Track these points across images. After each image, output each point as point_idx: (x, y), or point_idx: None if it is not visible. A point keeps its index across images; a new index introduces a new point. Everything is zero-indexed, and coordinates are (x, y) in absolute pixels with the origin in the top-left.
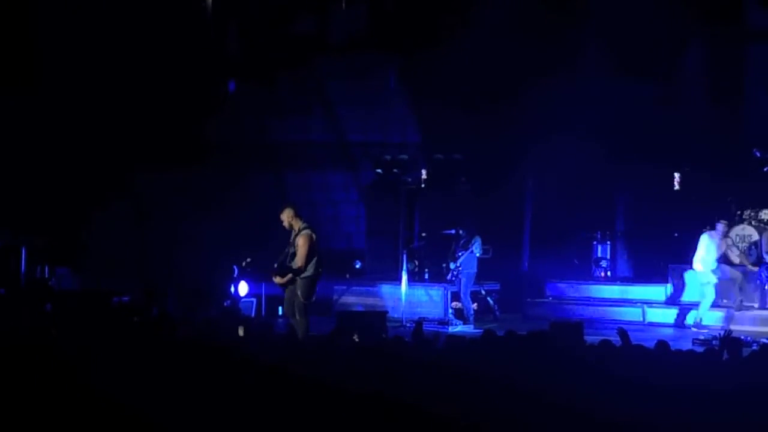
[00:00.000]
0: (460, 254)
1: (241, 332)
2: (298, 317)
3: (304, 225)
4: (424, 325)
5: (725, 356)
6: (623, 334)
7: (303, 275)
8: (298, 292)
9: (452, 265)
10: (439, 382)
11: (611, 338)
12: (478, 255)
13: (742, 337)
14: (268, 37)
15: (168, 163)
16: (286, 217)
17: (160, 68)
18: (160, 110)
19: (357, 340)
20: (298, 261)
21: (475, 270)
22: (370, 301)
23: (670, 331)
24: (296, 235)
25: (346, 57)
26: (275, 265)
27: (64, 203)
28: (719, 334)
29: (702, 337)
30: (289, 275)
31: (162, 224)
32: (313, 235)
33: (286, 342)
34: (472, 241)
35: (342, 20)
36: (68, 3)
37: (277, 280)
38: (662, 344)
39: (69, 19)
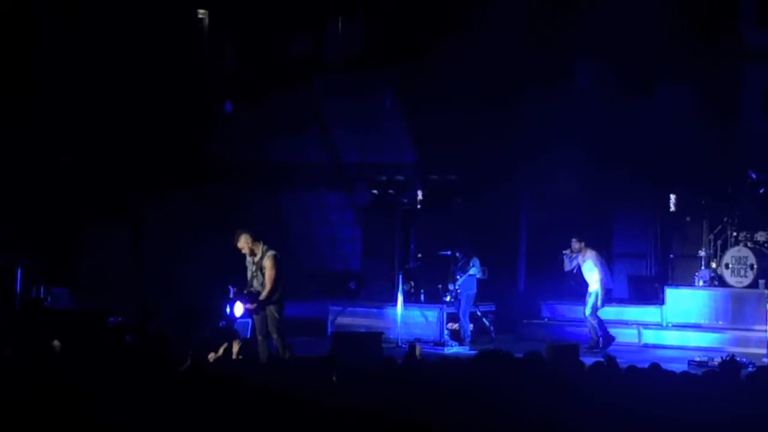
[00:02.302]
0: (459, 276)
1: (235, 348)
2: (276, 336)
3: (267, 247)
4: (419, 346)
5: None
6: (610, 360)
7: (275, 296)
8: (273, 311)
9: (451, 287)
10: (433, 404)
11: (605, 360)
12: (478, 276)
13: (739, 359)
14: (264, 57)
15: (164, 184)
16: (244, 243)
17: (156, 88)
18: (156, 131)
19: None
20: (268, 284)
21: (475, 291)
22: (365, 322)
23: (666, 352)
24: (261, 258)
25: (342, 77)
26: (245, 293)
27: (61, 223)
28: (722, 357)
29: (698, 359)
30: (261, 299)
31: (158, 244)
32: (278, 256)
33: (282, 363)
34: (471, 263)
35: (338, 40)
36: (65, 23)
37: (250, 307)
38: (655, 366)
39: (66, 39)
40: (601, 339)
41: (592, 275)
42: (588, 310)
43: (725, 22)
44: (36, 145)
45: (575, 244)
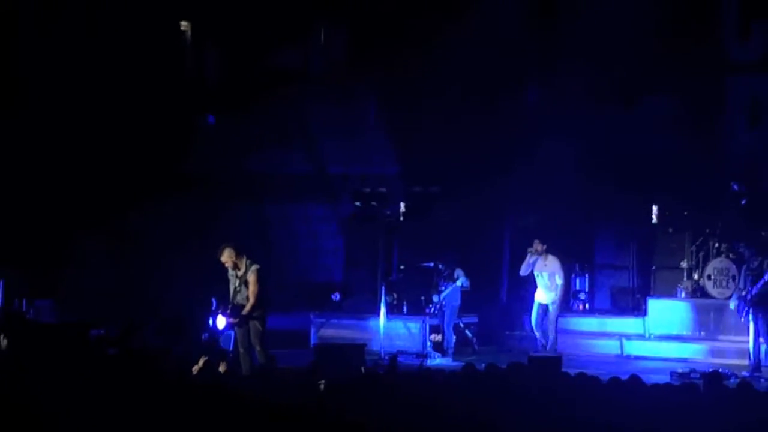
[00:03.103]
0: (443, 287)
1: (222, 369)
2: (258, 347)
3: (250, 261)
4: (401, 358)
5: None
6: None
7: (258, 311)
8: (257, 324)
9: (435, 298)
10: (417, 416)
11: (588, 371)
12: (464, 287)
13: (721, 370)
14: (248, 68)
15: (148, 196)
16: (228, 257)
17: (139, 101)
18: (140, 142)
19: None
20: (251, 297)
21: (459, 302)
22: (348, 334)
23: (649, 363)
24: (245, 272)
25: (325, 88)
26: (228, 308)
27: (44, 235)
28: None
29: (680, 371)
30: (244, 313)
31: (142, 256)
32: (261, 270)
33: (265, 375)
34: (455, 274)
35: (321, 51)
36: (47, 36)
37: (233, 320)
38: (635, 378)
39: (48, 52)
40: (548, 345)
41: (552, 283)
42: (553, 319)
43: (708, 33)
44: (18, 157)
45: (537, 246)
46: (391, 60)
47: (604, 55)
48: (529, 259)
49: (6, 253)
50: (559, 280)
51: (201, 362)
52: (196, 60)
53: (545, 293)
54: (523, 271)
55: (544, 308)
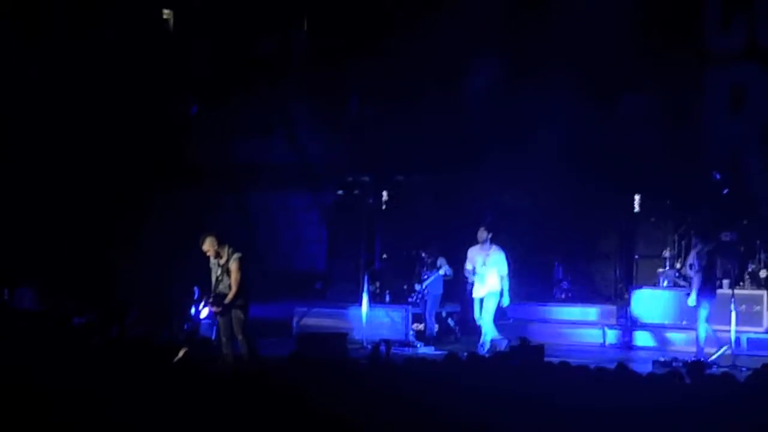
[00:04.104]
0: (426, 276)
1: (181, 354)
2: (241, 335)
3: (232, 250)
4: (382, 347)
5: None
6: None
7: (240, 299)
8: (239, 313)
9: (418, 287)
10: (401, 404)
11: (570, 360)
12: (447, 275)
13: (703, 359)
14: (231, 58)
15: (129, 186)
16: (210, 246)
17: (120, 92)
18: (121, 133)
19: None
20: (234, 286)
21: (441, 291)
22: (330, 322)
23: (631, 352)
24: (227, 261)
25: (307, 77)
26: (211, 296)
27: (27, 224)
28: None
29: (663, 359)
30: (227, 302)
31: (124, 245)
32: (243, 258)
33: (248, 363)
34: (438, 263)
35: (304, 41)
36: (26, 28)
37: (216, 309)
38: (621, 366)
39: (28, 44)
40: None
41: (494, 273)
42: (489, 315)
43: (688, 25)
44: (6, 149)
45: (483, 234)
46: (375, 49)
47: (585, 47)
48: (473, 249)
49: None
50: (503, 271)
51: (181, 353)
52: (180, 50)
53: (486, 285)
54: (471, 263)
55: (482, 302)
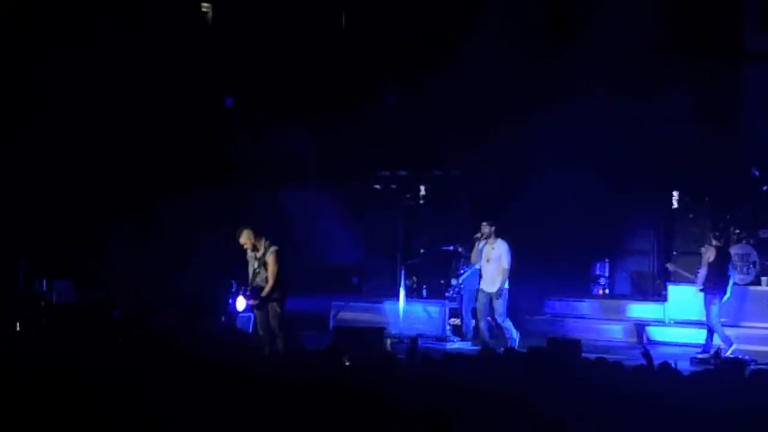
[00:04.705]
0: (462, 271)
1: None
2: (277, 328)
3: (269, 243)
4: (420, 342)
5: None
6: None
7: (277, 292)
8: (275, 306)
9: (454, 282)
10: (436, 399)
11: (606, 357)
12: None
13: (741, 356)
14: (268, 51)
15: (167, 180)
16: (246, 239)
17: (160, 85)
18: (160, 127)
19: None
20: (271, 279)
21: (478, 286)
22: (367, 317)
23: (668, 349)
24: (264, 254)
25: (345, 71)
26: (248, 289)
27: (67, 217)
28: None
29: (701, 356)
30: (264, 295)
31: (161, 239)
32: (280, 251)
33: (285, 356)
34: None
35: (342, 37)
36: (70, 22)
37: (252, 302)
38: (665, 365)
39: (72, 37)
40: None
41: (498, 267)
42: (500, 310)
43: (728, 22)
44: (44, 140)
45: (485, 228)
46: (412, 44)
47: (623, 42)
48: (479, 244)
49: (28, 234)
50: (504, 265)
51: None
52: (218, 43)
53: (492, 281)
54: (475, 258)
55: (490, 297)
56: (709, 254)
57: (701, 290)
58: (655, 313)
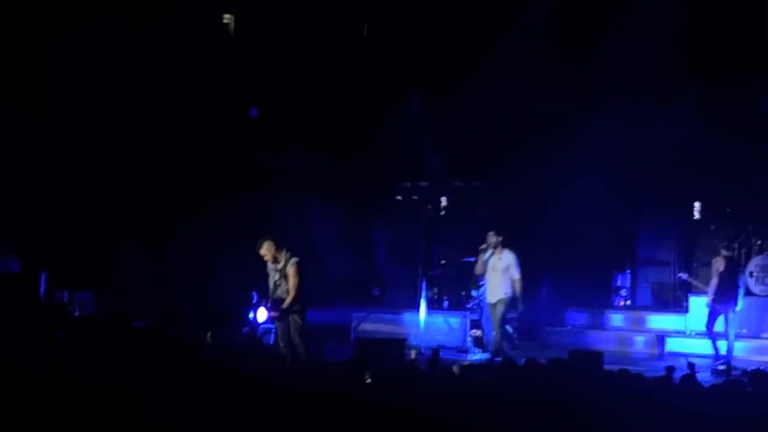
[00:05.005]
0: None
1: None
2: (298, 340)
3: (290, 254)
4: (441, 353)
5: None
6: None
7: (298, 304)
8: (296, 317)
9: (474, 293)
10: (457, 409)
11: (629, 368)
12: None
13: (763, 368)
14: (290, 61)
15: (191, 191)
16: (267, 250)
17: (182, 96)
18: (183, 138)
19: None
20: (292, 290)
21: None
22: (389, 328)
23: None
24: (284, 266)
25: (368, 81)
26: (269, 302)
27: (88, 227)
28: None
29: (721, 368)
30: (284, 307)
31: (183, 250)
32: (301, 263)
33: (307, 367)
34: None
35: (363, 45)
36: (90, 32)
37: (273, 314)
38: (688, 378)
39: (92, 48)
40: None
41: (505, 278)
42: (499, 321)
43: (751, 31)
44: (67, 151)
45: (492, 238)
46: (435, 55)
47: (646, 52)
48: (483, 255)
49: (49, 245)
50: (515, 275)
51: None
52: (240, 54)
53: (496, 291)
54: (480, 269)
55: (494, 307)
56: (718, 264)
57: (712, 300)
58: (676, 324)
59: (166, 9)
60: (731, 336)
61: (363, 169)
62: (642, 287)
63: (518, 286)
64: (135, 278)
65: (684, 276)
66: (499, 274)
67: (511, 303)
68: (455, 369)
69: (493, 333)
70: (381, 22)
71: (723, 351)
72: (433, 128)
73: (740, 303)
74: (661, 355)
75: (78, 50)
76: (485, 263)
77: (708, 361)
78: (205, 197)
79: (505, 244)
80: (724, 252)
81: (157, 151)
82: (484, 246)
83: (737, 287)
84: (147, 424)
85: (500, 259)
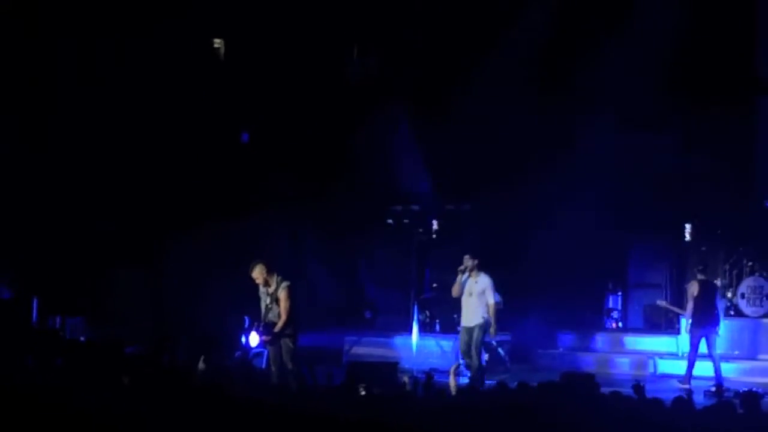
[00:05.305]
0: None
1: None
2: (290, 365)
3: (281, 278)
4: (435, 377)
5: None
6: (639, 389)
7: (289, 328)
8: (288, 341)
9: None
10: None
11: (622, 390)
12: (497, 301)
13: (755, 389)
14: (280, 84)
15: (183, 215)
16: (259, 274)
17: (173, 122)
18: (174, 163)
19: (364, 392)
20: (283, 314)
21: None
22: (380, 352)
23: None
24: (276, 289)
25: (358, 104)
26: (260, 326)
27: (79, 254)
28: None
29: (713, 389)
30: (276, 331)
31: (175, 275)
32: (292, 287)
33: (298, 392)
34: None
35: (354, 70)
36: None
37: (265, 338)
38: (679, 400)
39: (82, 76)
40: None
41: (481, 302)
42: (477, 346)
43: (740, 53)
44: (58, 176)
45: (468, 262)
46: (424, 79)
47: (635, 73)
48: (461, 277)
49: (40, 271)
50: (490, 300)
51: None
52: (230, 79)
53: (473, 315)
54: (456, 291)
55: (471, 332)
56: (692, 289)
57: (690, 325)
58: (668, 346)
59: (155, 34)
60: (716, 358)
61: (354, 192)
62: (633, 309)
63: (492, 311)
64: (126, 304)
65: (661, 302)
66: (476, 298)
67: (486, 327)
68: (449, 391)
69: (470, 358)
70: (371, 47)
71: (709, 373)
72: (424, 152)
73: (721, 325)
74: (653, 377)
75: (70, 74)
76: (462, 285)
77: (703, 383)
78: (196, 222)
79: (481, 268)
80: (699, 276)
81: (147, 175)
82: (461, 267)
83: (715, 310)
84: None
85: (476, 282)
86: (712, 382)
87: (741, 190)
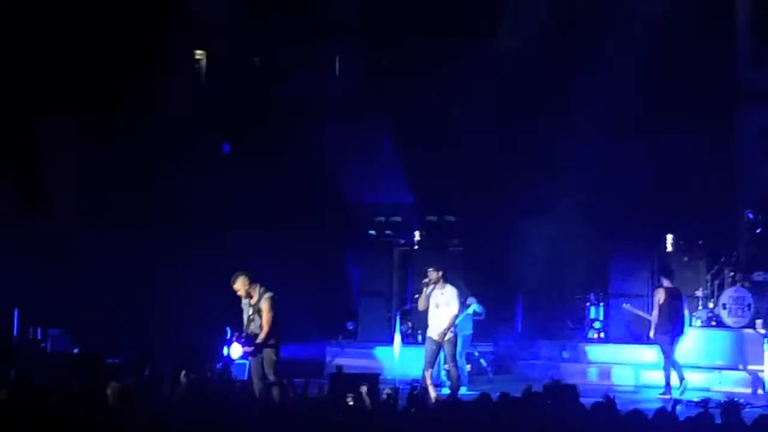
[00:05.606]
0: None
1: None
2: (273, 376)
3: (264, 289)
4: (418, 387)
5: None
6: (609, 401)
7: (272, 339)
8: (270, 353)
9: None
10: None
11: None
12: (478, 314)
13: (737, 399)
14: (263, 99)
15: (164, 227)
16: (241, 285)
17: (154, 131)
18: (153, 171)
19: (350, 402)
20: (265, 326)
21: (471, 331)
22: (362, 362)
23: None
24: (258, 301)
25: (340, 118)
26: (243, 336)
27: (61, 266)
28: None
29: (696, 399)
30: (258, 342)
31: (155, 286)
32: (275, 298)
33: (281, 404)
34: (467, 301)
35: (336, 81)
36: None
37: (247, 349)
38: (662, 411)
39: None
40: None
41: (447, 313)
42: (453, 353)
43: (721, 61)
44: (39, 190)
45: (433, 274)
46: (406, 92)
47: (616, 85)
48: (426, 290)
49: (20, 283)
50: (453, 311)
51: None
52: (212, 91)
53: (438, 328)
54: (423, 305)
55: (439, 345)
56: (659, 296)
57: (655, 332)
58: (650, 356)
59: (136, 47)
60: (676, 366)
61: (336, 203)
62: (616, 320)
63: (450, 321)
64: (107, 315)
65: (626, 305)
66: (442, 310)
67: (455, 340)
68: (430, 402)
69: (447, 367)
70: (354, 60)
71: (700, 384)
72: (406, 163)
73: (685, 332)
74: (636, 387)
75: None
76: (427, 298)
77: (693, 394)
78: (179, 234)
79: (447, 280)
80: (665, 283)
81: (132, 188)
82: (426, 280)
83: (681, 317)
84: None
85: (442, 293)
86: (702, 393)
87: (722, 200)
